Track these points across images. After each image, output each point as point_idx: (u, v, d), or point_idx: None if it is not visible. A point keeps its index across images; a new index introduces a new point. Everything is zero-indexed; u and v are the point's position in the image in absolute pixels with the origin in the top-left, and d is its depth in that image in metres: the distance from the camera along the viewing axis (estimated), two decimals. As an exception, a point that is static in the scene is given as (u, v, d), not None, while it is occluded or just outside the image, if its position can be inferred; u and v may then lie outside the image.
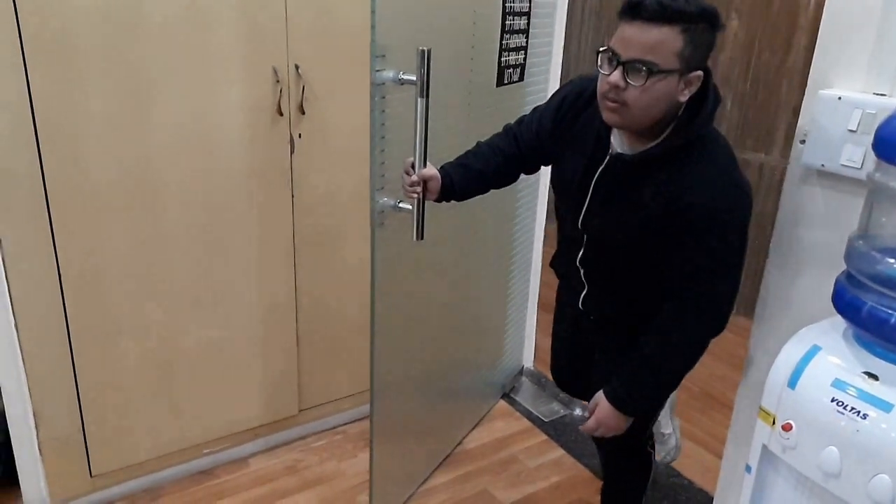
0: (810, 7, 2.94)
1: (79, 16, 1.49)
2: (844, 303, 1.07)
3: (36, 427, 1.70)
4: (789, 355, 1.09)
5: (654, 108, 1.14)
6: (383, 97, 1.46)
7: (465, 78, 1.82)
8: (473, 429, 2.30)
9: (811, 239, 1.33)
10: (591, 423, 1.40)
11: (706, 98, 1.19)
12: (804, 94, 1.29)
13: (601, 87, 1.17)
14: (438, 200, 1.46)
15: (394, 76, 1.45)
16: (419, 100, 1.39)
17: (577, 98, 1.35)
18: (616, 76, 1.12)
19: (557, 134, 1.38)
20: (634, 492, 1.76)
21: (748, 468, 1.17)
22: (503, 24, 1.86)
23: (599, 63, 1.16)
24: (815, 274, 1.32)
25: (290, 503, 1.94)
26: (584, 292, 1.47)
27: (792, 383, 1.06)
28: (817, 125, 1.26)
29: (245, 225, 1.87)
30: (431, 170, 1.43)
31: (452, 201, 1.49)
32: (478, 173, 1.46)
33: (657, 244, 1.26)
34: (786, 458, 1.08)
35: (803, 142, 1.30)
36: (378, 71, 1.42)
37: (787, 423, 1.06)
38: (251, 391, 2.04)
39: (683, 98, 1.15)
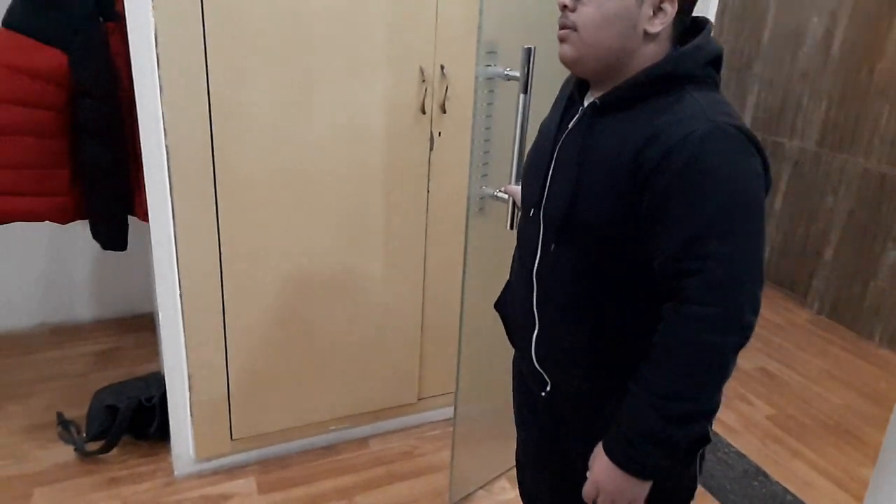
0: None
1: (255, 18, 1.63)
2: None
3: (189, 389, 1.87)
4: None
5: (608, 31, 0.94)
6: (491, 91, 1.58)
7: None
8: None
9: None
10: (587, 486, 1.02)
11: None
12: None
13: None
14: None
15: (501, 72, 1.56)
16: (521, 96, 1.49)
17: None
18: None
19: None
20: None
21: (904, 509, 1.09)
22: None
23: None
24: None
25: (405, 487, 2.01)
26: (536, 332, 1.09)
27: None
28: None
29: (383, 217, 1.96)
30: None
31: None
32: None
33: (634, 226, 0.94)
34: (953, 502, 1.00)
35: None
36: (487, 66, 1.55)
37: (958, 466, 0.98)
38: (375, 376, 2.13)
39: (653, 28, 0.94)
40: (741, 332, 0.89)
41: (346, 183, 1.88)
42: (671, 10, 0.93)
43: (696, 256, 0.88)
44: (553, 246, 1.03)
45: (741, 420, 2.46)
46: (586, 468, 1.03)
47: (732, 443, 2.32)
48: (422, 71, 1.86)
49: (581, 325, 1.02)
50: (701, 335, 0.89)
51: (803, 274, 3.52)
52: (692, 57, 0.94)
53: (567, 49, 0.98)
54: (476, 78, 1.54)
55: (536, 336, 1.09)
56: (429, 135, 1.94)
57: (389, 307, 2.07)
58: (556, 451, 1.19)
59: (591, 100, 1.00)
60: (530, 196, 1.09)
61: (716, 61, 0.97)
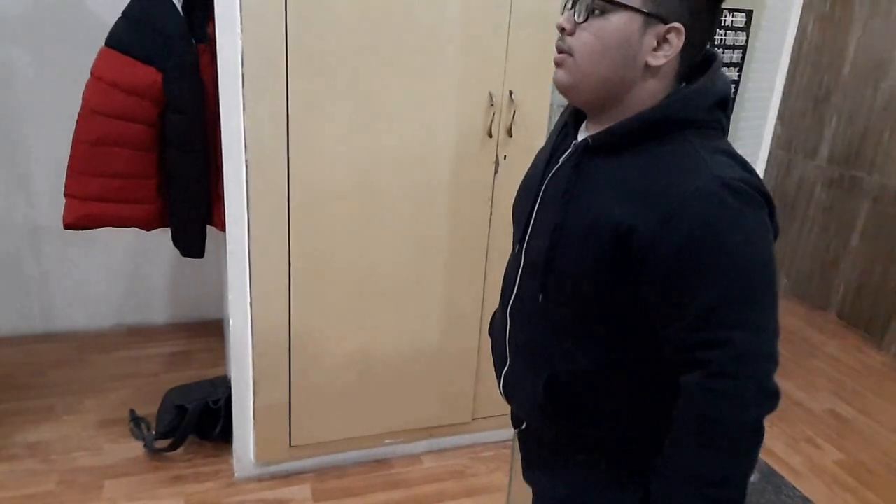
0: None
1: (334, 44, 1.71)
2: None
3: (253, 395, 1.94)
4: None
5: (605, 59, 0.87)
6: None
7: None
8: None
9: None
10: None
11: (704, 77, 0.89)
12: None
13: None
14: None
15: None
16: None
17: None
18: (564, 16, 0.90)
19: None
20: None
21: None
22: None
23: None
24: None
25: (456, 507, 2.02)
26: (507, 368, 1.05)
27: None
28: None
29: (446, 237, 2.00)
30: None
31: None
32: None
33: (614, 286, 0.88)
34: None
35: None
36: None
37: None
38: (431, 393, 2.16)
39: (655, 61, 0.86)
40: (775, 400, 0.83)
41: (411, 201, 1.93)
42: (677, 42, 0.85)
43: (719, 326, 0.80)
44: (527, 287, 0.99)
45: (807, 463, 2.35)
46: None
47: (797, 486, 2.22)
48: (490, 96, 1.90)
49: (539, 371, 0.97)
50: (742, 413, 0.81)
51: (880, 315, 3.35)
52: (694, 101, 0.87)
53: (562, 75, 0.92)
54: (551, 105, 1.57)
55: (506, 371, 1.05)
56: (494, 158, 1.97)
57: (448, 325, 2.10)
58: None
59: (584, 136, 0.94)
60: (515, 230, 1.05)
61: (722, 102, 0.89)
